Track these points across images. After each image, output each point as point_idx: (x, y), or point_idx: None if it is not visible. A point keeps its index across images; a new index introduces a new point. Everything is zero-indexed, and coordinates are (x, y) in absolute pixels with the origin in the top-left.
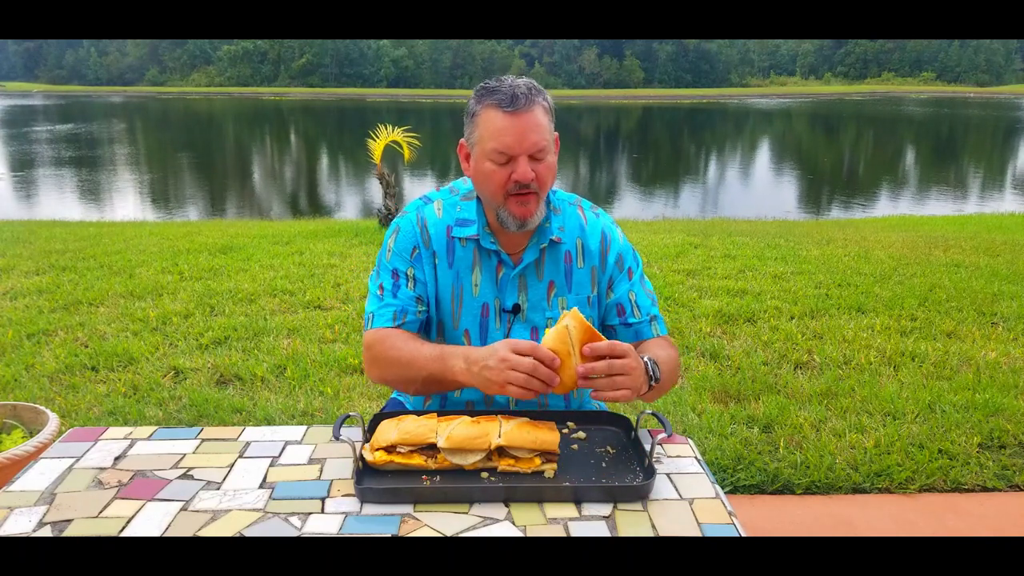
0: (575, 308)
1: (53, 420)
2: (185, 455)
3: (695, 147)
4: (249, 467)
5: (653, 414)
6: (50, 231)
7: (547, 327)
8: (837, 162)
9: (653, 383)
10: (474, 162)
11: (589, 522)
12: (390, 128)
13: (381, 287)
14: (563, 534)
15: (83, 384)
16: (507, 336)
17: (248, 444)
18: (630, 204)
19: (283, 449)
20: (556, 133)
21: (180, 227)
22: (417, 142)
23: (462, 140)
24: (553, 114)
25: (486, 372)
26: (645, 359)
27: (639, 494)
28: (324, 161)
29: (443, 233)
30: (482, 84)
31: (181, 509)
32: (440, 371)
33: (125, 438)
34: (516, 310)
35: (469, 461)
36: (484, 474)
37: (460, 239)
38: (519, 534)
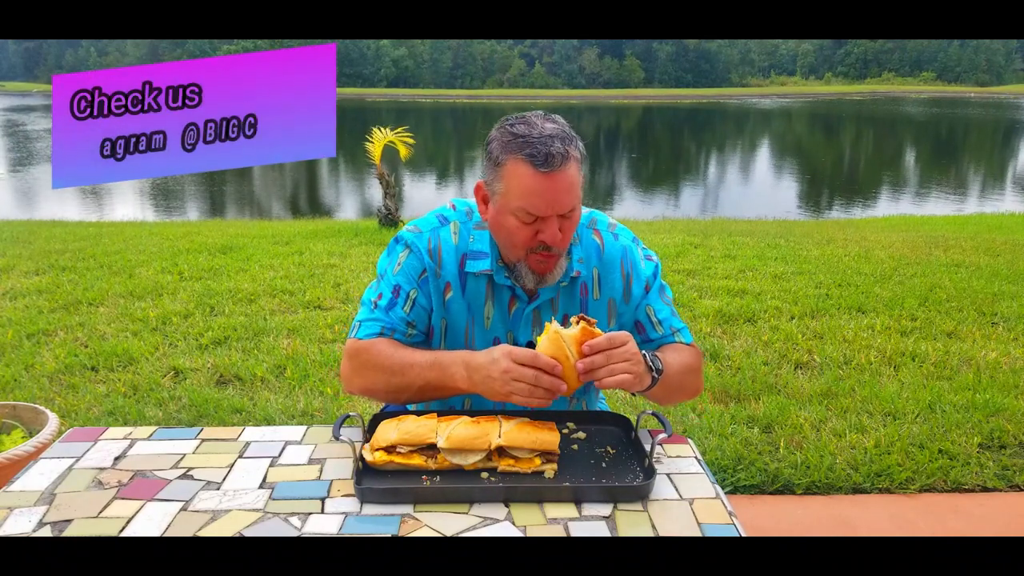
0: (553, 321)
1: (53, 420)
2: (185, 455)
3: (695, 147)
4: (249, 467)
5: (653, 414)
6: (50, 231)
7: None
8: (837, 162)
9: (655, 374)
10: (495, 212)
11: (589, 522)
12: (385, 130)
13: (379, 298)
14: (563, 534)
15: (83, 384)
16: None
17: (248, 444)
18: (630, 204)
19: (283, 449)
20: (583, 173)
21: (180, 227)
22: (412, 140)
23: (480, 182)
24: (584, 158)
25: (489, 382)
26: (643, 351)
27: (639, 494)
28: (324, 161)
29: (457, 263)
30: (509, 126)
31: (181, 509)
32: (439, 379)
33: (125, 438)
34: (532, 347)
35: (469, 461)
36: (484, 474)
37: (473, 273)
38: (519, 534)
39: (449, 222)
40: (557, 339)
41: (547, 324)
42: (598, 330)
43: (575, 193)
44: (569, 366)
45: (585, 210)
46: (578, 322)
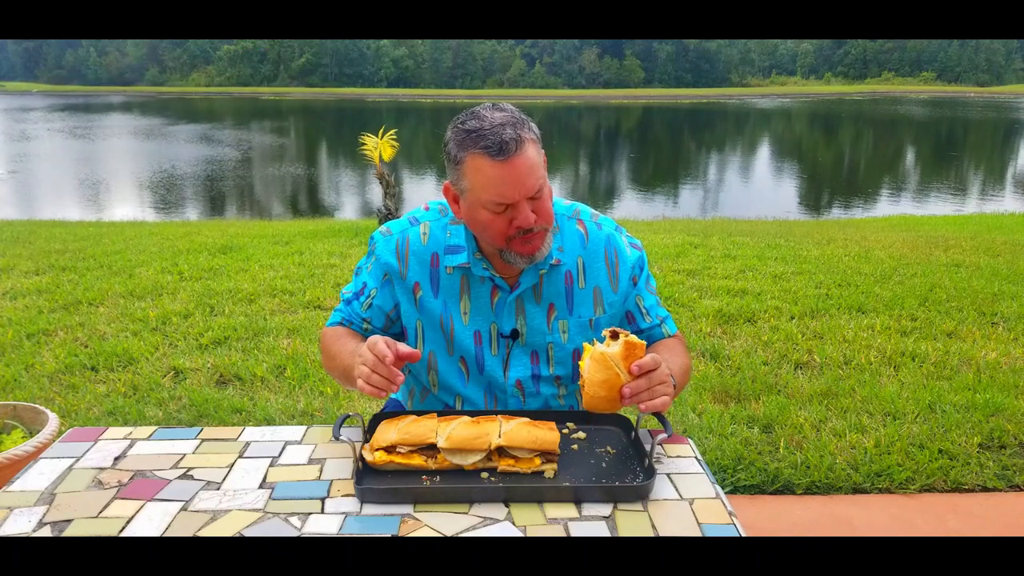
0: (595, 342)
1: (53, 420)
2: (185, 455)
3: (695, 147)
4: (249, 467)
5: (653, 414)
6: (50, 231)
7: (548, 352)
8: (837, 162)
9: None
10: (467, 208)
11: (589, 522)
12: (378, 136)
13: (349, 293)
14: (563, 534)
15: (83, 384)
16: (506, 362)
17: (248, 444)
18: (630, 204)
19: (283, 449)
20: (542, 152)
21: (180, 227)
22: (396, 144)
23: (446, 183)
24: (540, 139)
25: (354, 366)
26: None
27: (639, 494)
28: (324, 161)
29: (427, 262)
30: (461, 124)
31: (181, 509)
32: (350, 365)
33: (125, 438)
34: (515, 335)
35: (469, 461)
36: (484, 474)
37: (447, 268)
38: (519, 534)
39: (419, 223)
40: (604, 359)
41: (586, 345)
42: (638, 340)
43: (537, 173)
44: (620, 383)
45: (567, 202)
46: (614, 336)
